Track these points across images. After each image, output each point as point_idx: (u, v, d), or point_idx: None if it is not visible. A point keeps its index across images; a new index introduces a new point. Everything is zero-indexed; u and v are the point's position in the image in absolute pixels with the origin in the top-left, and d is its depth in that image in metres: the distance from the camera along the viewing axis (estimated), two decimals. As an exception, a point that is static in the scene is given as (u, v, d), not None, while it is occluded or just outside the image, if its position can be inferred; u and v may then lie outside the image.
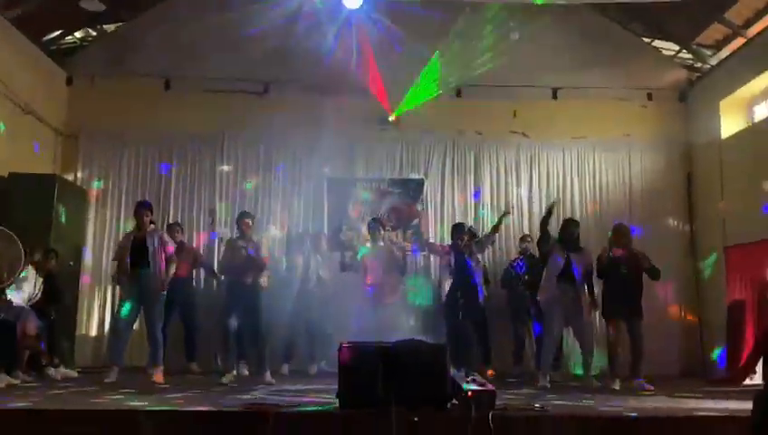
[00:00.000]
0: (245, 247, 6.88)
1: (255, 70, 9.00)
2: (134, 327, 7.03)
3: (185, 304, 8.02)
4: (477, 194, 9.28)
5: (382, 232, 7.80)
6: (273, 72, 9.01)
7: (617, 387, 6.58)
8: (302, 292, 7.86)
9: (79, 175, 9.00)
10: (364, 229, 8.22)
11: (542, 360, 7.06)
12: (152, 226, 6.90)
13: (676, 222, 9.29)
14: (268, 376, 6.68)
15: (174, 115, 9.02)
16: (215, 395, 5.46)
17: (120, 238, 7.25)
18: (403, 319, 7.07)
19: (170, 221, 8.67)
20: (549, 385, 6.67)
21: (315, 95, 8.66)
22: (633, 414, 4.55)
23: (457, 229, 7.77)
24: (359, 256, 7.83)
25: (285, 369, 7.80)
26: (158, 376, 6.51)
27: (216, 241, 8.55)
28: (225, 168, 9.14)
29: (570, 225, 7.20)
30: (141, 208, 6.87)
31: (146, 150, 9.14)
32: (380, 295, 7.38)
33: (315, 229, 8.80)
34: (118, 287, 7.67)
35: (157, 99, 9.08)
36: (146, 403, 4.85)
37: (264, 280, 6.96)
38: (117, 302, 7.75)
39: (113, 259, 7.25)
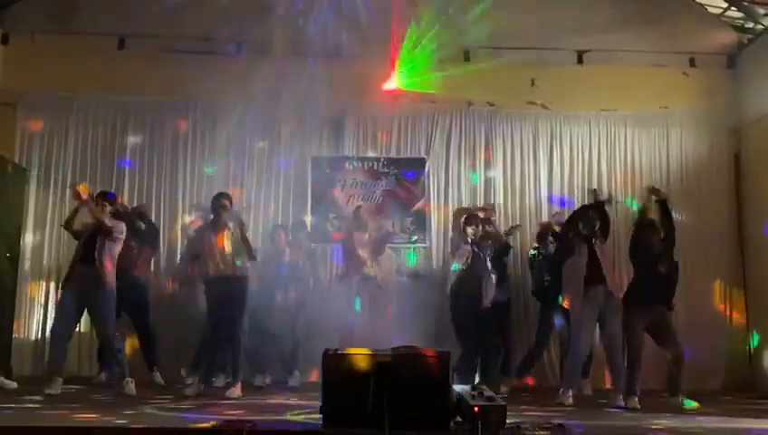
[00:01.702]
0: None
1: (227, 26, 8.98)
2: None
3: (133, 300, 7.85)
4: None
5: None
6: (247, 30, 8.98)
7: (637, 405, 6.52)
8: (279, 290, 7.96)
9: (16, 149, 8.97)
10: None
11: (566, 373, 7.12)
12: (108, 218, 6.92)
13: (720, 210, 9.32)
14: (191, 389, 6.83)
15: (129, 80, 8.99)
16: (181, 409, 5.53)
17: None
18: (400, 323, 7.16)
19: (125, 202, 8.70)
20: (571, 403, 6.67)
21: (297, 57, 8.65)
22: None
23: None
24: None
25: (261, 380, 7.89)
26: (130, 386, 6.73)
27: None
28: (190, 141, 9.17)
29: (588, 211, 7.18)
30: (100, 199, 6.95)
31: (96, 121, 9.13)
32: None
33: (296, 216, 8.87)
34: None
35: (109, 60, 9.03)
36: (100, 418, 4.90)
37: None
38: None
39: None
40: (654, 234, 6.91)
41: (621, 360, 6.81)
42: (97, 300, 6.78)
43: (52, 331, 7.05)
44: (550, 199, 9.27)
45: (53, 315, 7.17)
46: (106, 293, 6.77)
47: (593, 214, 7.13)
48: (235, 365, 6.95)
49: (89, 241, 6.81)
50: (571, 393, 6.80)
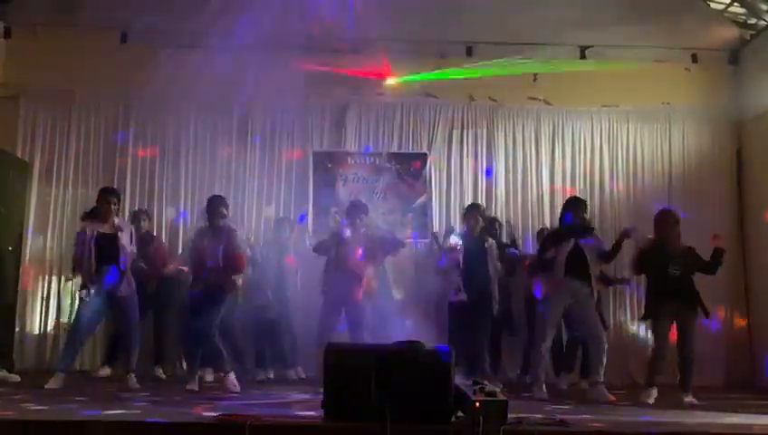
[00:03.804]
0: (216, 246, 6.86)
1: (229, 21, 8.93)
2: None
3: (159, 300, 8.07)
4: (489, 172, 9.35)
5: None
6: (249, 24, 8.94)
7: (650, 401, 6.61)
8: (280, 285, 8.03)
9: (19, 143, 8.99)
10: None
11: (531, 369, 7.21)
12: (117, 218, 6.95)
13: (722, 206, 9.33)
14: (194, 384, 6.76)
15: (132, 73, 8.96)
16: (182, 403, 5.57)
17: (78, 229, 7.08)
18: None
19: (128, 200, 8.73)
20: (546, 396, 6.71)
21: (299, 53, 8.67)
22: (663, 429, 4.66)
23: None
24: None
25: (263, 374, 7.93)
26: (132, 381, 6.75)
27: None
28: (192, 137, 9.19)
29: (576, 205, 7.13)
30: (107, 196, 6.90)
31: (98, 114, 9.15)
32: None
33: (298, 211, 8.92)
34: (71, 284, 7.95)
35: (111, 54, 9.05)
36: (101, 412, 4.94)
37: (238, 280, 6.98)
38: (76, 301, 7.73)
39: (74, 257, 7.00)
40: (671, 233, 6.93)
41: (600, 352, 6.79)
42: (126, 304, 6.85)
43: (74, 327, 6.91)
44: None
45: (76, 312, 7.04)
46: (133, 297, 6.89)
47: (582, 206, 7.12)
48: (213, 356, 6.90)
49: (106, 244, 6.78)
50: (542, 386, 6.78)
